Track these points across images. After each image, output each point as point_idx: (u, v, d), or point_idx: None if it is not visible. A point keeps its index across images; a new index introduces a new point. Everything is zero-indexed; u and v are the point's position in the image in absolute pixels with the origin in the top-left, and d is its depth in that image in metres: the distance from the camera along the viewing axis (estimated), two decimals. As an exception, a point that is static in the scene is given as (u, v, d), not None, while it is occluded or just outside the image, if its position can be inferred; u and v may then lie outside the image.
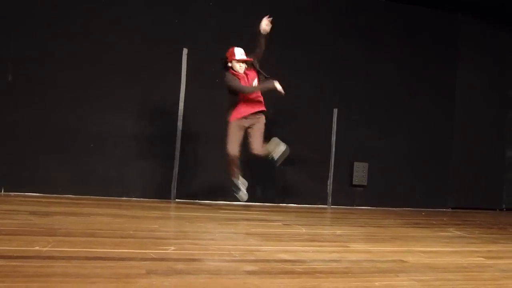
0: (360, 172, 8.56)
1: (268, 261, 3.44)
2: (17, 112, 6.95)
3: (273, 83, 6.38)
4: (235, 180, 6.57)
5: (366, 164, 8.58)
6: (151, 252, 3.44)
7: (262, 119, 6.50)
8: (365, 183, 8.57)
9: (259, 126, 6.45)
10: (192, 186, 7.55)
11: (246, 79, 6.39)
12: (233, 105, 6.43)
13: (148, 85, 7.46)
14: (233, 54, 6.32)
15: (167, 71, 7.56)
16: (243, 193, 6.61)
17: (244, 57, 6.33)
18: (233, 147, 6.34)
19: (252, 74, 6.46)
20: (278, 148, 6.44)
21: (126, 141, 7.36)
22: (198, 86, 7.58)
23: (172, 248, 3.67)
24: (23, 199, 6.43)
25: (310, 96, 8.32)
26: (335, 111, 8.46)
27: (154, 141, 7.48)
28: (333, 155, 8.45)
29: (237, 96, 6.40)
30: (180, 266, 3.13)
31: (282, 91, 6.39)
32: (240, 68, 6.34)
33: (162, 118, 7.47)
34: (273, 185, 8.07)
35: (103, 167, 7.26)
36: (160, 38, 7.54)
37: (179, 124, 7.52)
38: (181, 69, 7.61)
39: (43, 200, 6.42)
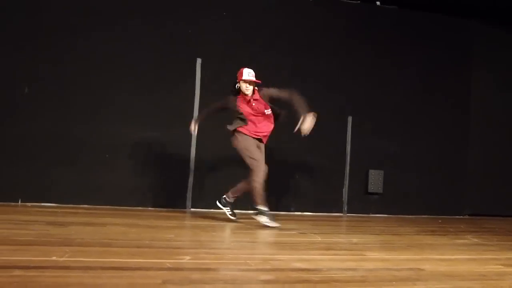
0: (376, 180, 8.51)
1: (284, 270, 3.42)
2: (33, 124, 7.01)
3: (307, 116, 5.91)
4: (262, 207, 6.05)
5: (381, 172, 8.54)
6: (167, 262, 3.44)
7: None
8: (381, 191, 8.53)
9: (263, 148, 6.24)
10: (207, 195, 7.55)
11: (248, 104, 6.08)
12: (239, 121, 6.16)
13: (163, 95, 7.49)
14: (241, 74, 6.07)
15: (181, 81, 7.60)
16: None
17: (251, 78, 6.03)
18: (262, 166, 6.01)
19: (260, 104, 6.12)
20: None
21: (141, 151, 7.40)
22: (212, 96, 7.58)
23: (188, 257, 3.67)
24: (39, 209, 6.47)
25: (324, 104, 8.28)
26: (350, 119, 8.44)
27: (169, 151, 7.51)
28: (348, 163, 8.42)
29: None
30: (196, 275, 3.13)
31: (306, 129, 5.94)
32: (246, 89, 6.03)
33: (177, 128, 7.49)
34: (288, 194, 8.06)
35: (119, 177, 7.30)
36: (174, 48, 7.58)
37: (194, 133, 7.53)
38: (195, 79, 7.64)
39: (60, 210, 6.46)
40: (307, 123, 5.85)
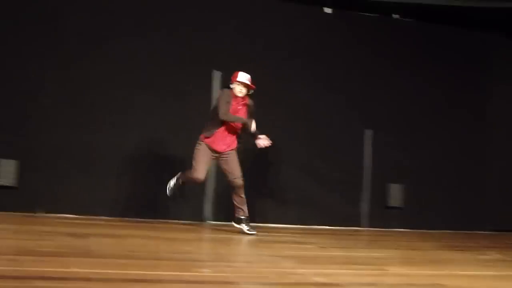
0: (396, 194, 8.44)
1: (303, 284, 3.40)
2: (56, 135, 7.07)
3: (253, 122, 6.09)
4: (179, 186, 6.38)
5: (401, 186, 8.47)
6: (187, 275, 3.43)
7: (234, 152, 6.20)
8: (401, 205, 8.45)
9: (234, 157, 6.16)
10: (226, 207, 7.54)
11: (237, 108, 6.09)
12: (211, 127, 6.16)
13: (181, 107, 7.52)
14: (236, 76, 6.04)
15: (198, 93, 7.60)
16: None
17: (246, 81, 6.02)
18: (200, 172, 6.11)
19: (243, 111, 6.13)
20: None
21: (161, 163, 7.42)
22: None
23: (207, 270, 3.66)
24: (61, 220, 6.52)
25: (341, 117, 8.28)
26: (368, 132, 8.40)
27: (188, 163, 7.51)
28: (367, 176, 8.37)
29: (216, 120, 6.11)
30: (215, 289, 3.13)
31: (262, 143, 6.11)
32: (240, 92, 6.02)
33: (195, 140, 7.50)
34: (307, 207, 8.01)
35: (139, 189, 7.33)
36: (189, 60, 7.61)
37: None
38: (211, 91, 7.64)
39: (80, 221, 6.50)
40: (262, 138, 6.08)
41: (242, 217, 6.16)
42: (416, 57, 8.72)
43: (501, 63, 9.18)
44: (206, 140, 6.10)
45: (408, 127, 8.62)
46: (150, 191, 7.36)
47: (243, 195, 6.12)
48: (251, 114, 6.18)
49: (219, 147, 6.08)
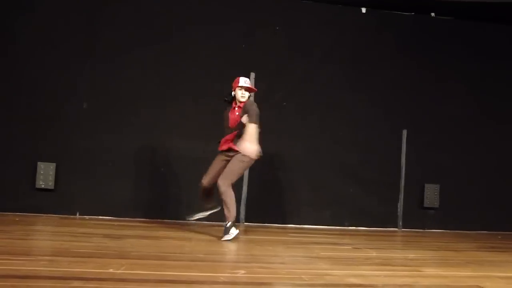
0: (432, 194, 8.34)
1: (338, 285, 3.39)
2: (91, 138, 7.19)
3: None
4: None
5: (437, 186, 8.36)
6: (221, 276, 3.45)
7: (236, 156, 5.90)
8: (437, 205, 8.34)
9: (232, 161, 5.90)
10: (261, 208, 7.56)
11: (235, 114, 6.00)
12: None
13: (217, 109, 7.53)
14: (237, 82, 6.00)
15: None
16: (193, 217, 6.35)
17: (247, 85, 5.98)
18: (205, 177, 6.07)
19: (241, 112, 5.97)
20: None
21: (195, 165, 7.44)
22: (266, 109, 7.60)
23: (242, 271, 3.67)
24: (97, 222, 6.62)
25: (379, 117, 8.21)
26: (404, 132, 8.31)
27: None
28: (403, 177, 8.29)
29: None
30: (250, 290, 3.13)
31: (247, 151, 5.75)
32: (242, 96, 5.95)
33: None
34: (343, 208, 7.97)
35: (174, 190, 7.39)
36: (227, 62, 7.64)
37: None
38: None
39: (116, 223, 6.59)
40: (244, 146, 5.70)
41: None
42: (454, 55, 8.58)
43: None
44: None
45: (445, 126, 8.50)
46: (186, 192, 7.40)
47: (223, 198, 5.84)
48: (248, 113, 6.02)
49: (222, 145, 6.05)
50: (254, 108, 5.81)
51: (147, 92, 7.41)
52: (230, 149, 5.92)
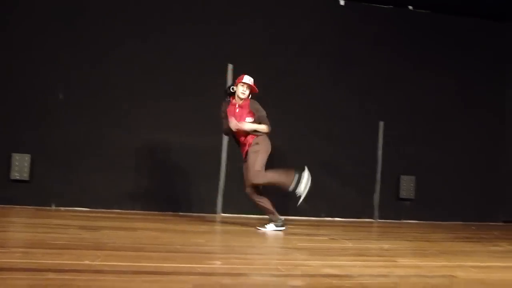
0: (407, 186, 8.43)
1: (314, 276, 3.41)
2: (67, 130, 7.13)
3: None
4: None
5: (413, 177, 8.45)
6: (198, 267, 3.45)
7: (249, 153, 6.01)
8: (413, 197, 8.43)
9: (249, 160, 5.98)
10: (238, 200, 7.56)
11: (235, 112, 6.06)
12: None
13: (194, 101, 7.53)
14: (241, 78, 6.06)
15: (212, 87, 7.61)
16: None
17: (249, 82, 6.02)
18: (245, 186, 6.07)
19: (244, 111, 6.07)
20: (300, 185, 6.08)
21: (172, 157, 7.45)
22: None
23: (219, 262, 3.68)
24: (72, 213, 6.57)
25: (355, 109, 8.26)
26: (381, 124, 8.37)
27: (200, 156, 7.55)
28: (379, 168, 8.36)
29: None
30: (226, 280, 3.14)
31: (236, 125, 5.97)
32: (243, 92, 6.02)
33: (208, 133, 7.52)
34: (319, 199, 8.01)
35: (150, 182, 7.37)
36: (205, 54, 7.63)
37: (224, 139, 7.56)
38: (226, 85, 7.65)
39: (92, 214, 6.55)
40: (243, 125, 5.95)
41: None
42: (431, 49, 8.66)
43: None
44: None
45: (421, 119, 8.58)
46: (162, 185, 7.39)
47: (255, 199, 6.04)
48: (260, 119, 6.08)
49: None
50: (263, 113, 6.01)
51: (124, 84, 7.37)
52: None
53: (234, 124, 5.91)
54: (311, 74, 8.02)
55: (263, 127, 5.99)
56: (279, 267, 3.65)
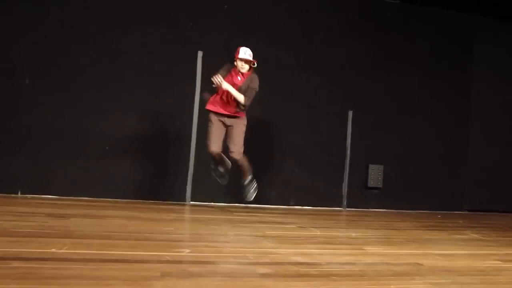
0: (376, 175, 8.52)
1: (282, 263, 3.43)
2: (34, 115, 7.01)
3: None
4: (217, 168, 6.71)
5: (381, 167, 8.55)
6: (166, 255, 3.44)
7: (240, 121, 6.43)
8: (381, 186, 8.54)
9: (239, 128, 6.39)
10: (207, 188, 7.56)
11: (234, 77, 6.36)
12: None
13: (163, 88, 7.49)
14: (238, 53, 6.29)
15: (182, 75, 7.58)
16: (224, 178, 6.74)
17: (247, 57, 6.26)
18: (212, 144, 6.38)
19: (243, 77, 6.38)
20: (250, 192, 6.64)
21: (141, 144, 7.40)
22: (213, 89, 7.58)
23: (187, 250, 3.67)
24: (39, 201, 6.48)
25: (324, 98, 8.31)
26: (350, 113, 8.44)
27: (169, 143, 7.51)
28: (348, 157, 8.43)
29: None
30: (194, 268, 3.14)
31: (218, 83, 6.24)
32: (242, 67, 6.29)
33: (178, 121, 7.49)
34: (288, 188, 8.07)
35: (119, 169, 7.30)
36: (175, 41, 7.58)
37: (194, 126, 7.54)
38: (196, 72, 7.63)
39: (59, 202, 6.47)
40: (222, 84, 6.23)
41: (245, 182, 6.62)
42: (399, 38, 8.76)
43: (485, 45, 9.25)
44: (209, 105, 6.41)
45: (389, 108, 8.68)
46: (131, 172, 7.35)
47: (241, 168, 6.49)
48: (246, 87, 6.31)
49: (217, 108, 6.34)
50: (254, 88, 6.27)
51: (91, 69, 7.27)
52: (228, 115, 6.27)
53: (219, 80, 6.16)
54: (279, 62, 8.03)
55: (240, 97, 6.18)
56: (247, 255, 3.66)
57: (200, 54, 7.62)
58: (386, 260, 3.78)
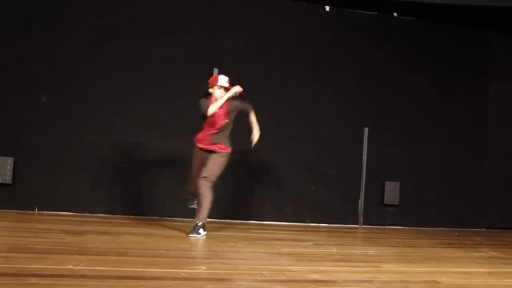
0: (392, 192, 8.46)
1: (299, 281, 3.41)
2: (51, 133, 7.07)
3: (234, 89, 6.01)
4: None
5: (397, 183, 8.49)
6: (182, 272, 3.44)
7: (216, 155, 5.97)
8: (397, 203, 8.47)
9: (215, 158, 5.94)
10: (223, 205, 7.54)
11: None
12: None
13: (178, 105, 7.50)
14: (216, 80, 6.04)
15: (197, 91, 7.59)
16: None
17: (226, 84, 6.01)
18: (191, 180, 6.08)
19: (222, 111, 6.01)
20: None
21: (157, 161, 7.42)
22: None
23: (203, 267, 3.67)
24: (56, 218, 6.51)
25: (340, 115, 8.28)
26: (366, 130, 8.41)
27: (186, 160, 7.51)
28: (364, 174, 8.38)
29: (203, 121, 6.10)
30: (210, 286, 3.13)
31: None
32: (220, 95, 5.99)
33: (193, 137, 7.51)
34: (304, 205, 8.03)
35: (135, 186, 7.32)
36: (190, 58, 7.61)
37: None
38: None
39: (76, 219, 6.50)
40: (256, 135, 6.07)
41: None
42: (415, 55, 8.72)
43: (501, 61, 9.16)
44: (196, 139, 6.12)
45: (405, 125, 8.63)
46: (148, 189, 7.35)
47: (200, 198, 5.85)
48: (236, 109, 6.11)
49: (201, 144, 6.06)
50: (242, 103, 6.07)
51: (108, 86, 7.31)
52: (211, 151, 5.92)
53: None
54: (296, 79, 8.03)
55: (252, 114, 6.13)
56: (263, 272, 3.65)
57: (215, 71, 7.65)
58: (403, 278, 3.74)
